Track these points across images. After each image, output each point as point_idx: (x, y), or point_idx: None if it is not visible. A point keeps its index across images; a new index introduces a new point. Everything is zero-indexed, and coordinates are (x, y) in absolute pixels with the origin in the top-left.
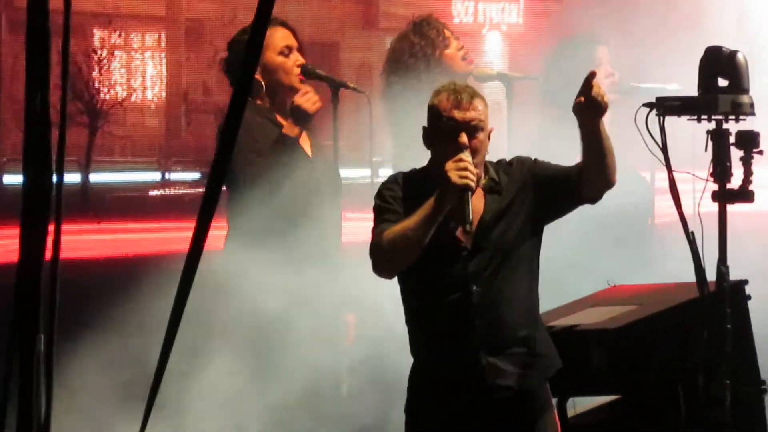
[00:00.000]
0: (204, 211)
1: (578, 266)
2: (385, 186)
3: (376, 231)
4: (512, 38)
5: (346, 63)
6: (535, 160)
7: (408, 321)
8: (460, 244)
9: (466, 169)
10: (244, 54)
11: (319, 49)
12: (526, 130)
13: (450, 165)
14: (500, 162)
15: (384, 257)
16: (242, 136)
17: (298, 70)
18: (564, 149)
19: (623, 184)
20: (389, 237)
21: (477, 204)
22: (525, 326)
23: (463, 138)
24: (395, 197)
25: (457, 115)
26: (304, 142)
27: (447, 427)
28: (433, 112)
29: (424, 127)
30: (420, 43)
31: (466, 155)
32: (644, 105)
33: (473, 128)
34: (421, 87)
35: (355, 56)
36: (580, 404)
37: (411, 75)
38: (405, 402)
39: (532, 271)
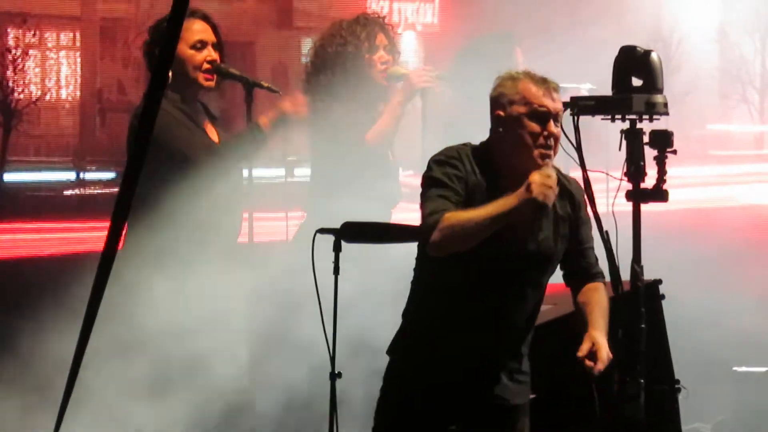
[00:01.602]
0: (118, 211)
1: None
2: (449, 160)
3: (435, 207)
4: (427, 38)
5: (261, 62)
6: (585, 216)
7: (420, 296)
8: (514, 249)
9: (551, 186)
10: (159, 49)
11: (234, 49)
12: (439, 128)
13: (537, 177)
14: (560, 175)
15: (440, 238)
16: (168, 129)
17: (206, 66)
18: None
19: None
20: (451, 221)
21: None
22: (528, 346)
23: (553, 127)
24: (458, 176)
25: (549, 103)
26: (211, 133)
27: (430, 402)
28: (518, 98)
29: (498, 113)
30: (347, 38)
31: (552, 171)
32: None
33: (559, 119)
34: (336, 80)
35: (270, 56)
36: None
37: (330, 66)
38: (385, 385)
39: (544, 293)
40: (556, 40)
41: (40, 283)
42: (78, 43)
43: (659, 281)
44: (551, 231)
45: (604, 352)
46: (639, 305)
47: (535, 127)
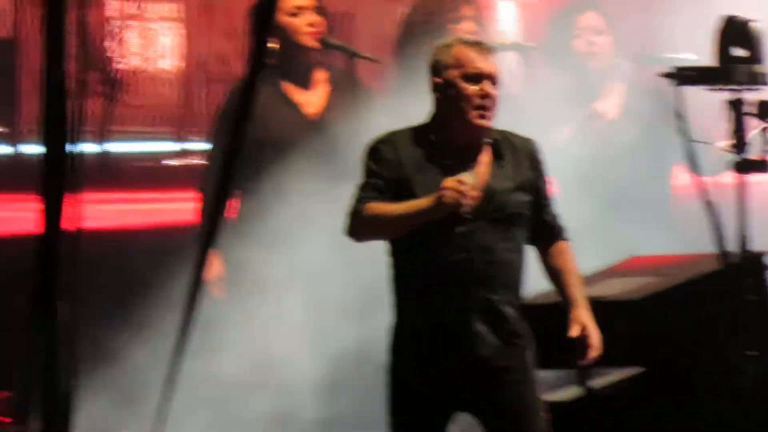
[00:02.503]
0: (221, 184)
1: (598, 237)
2: (378, 145)
3: (358, 196)
4: (526, 8)
5: (362, 33)
6: (542, 172)
7: (396, 277)
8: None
9: (463, 195)
10: (253, 26)
11: (334, 19)
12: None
13: (449, 182)
14: (513, 134)
15: (357, 229)
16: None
17: (308, 30)
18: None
19: (651, 141)
20: (369, 213)
21: (483, 168)
22: (514, 302)
23: (488, 87)
24: (384, 159)
25: (482, 65)
26: (311, 107)
27: (431, 388)
28: (452, 62)
29: (435, 81)
30: (432, 8)
31: (468, 178)
32: (661, 75)
33: (495, 80)
34: (422, 52)
35: (371, 26)
36: (601, 375)
37: (415, 37)
38: (388, 363)
39: (523, 248)
40: (658, 9)
41: (143, 254)
42: (181, 14)
43: (765, 253)
44: (501, 183)
45: (596, 336)
46: (744, 277)
47: (469, 88)
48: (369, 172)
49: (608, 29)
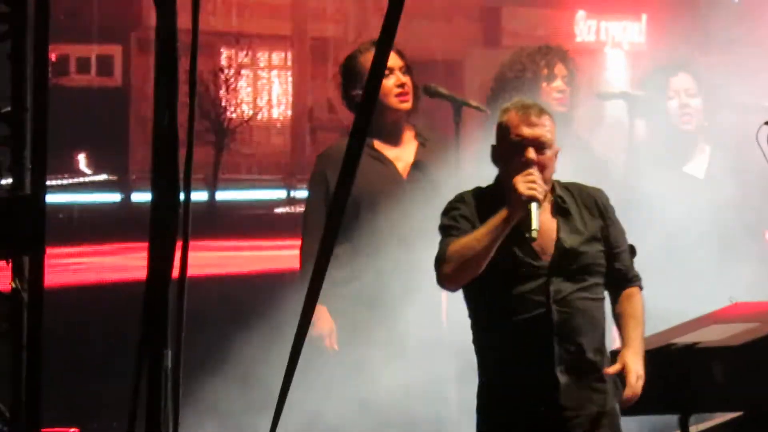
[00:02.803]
0: (328, 231)
1: (701, 281)
2: (452, 205)
3: (442, 243)
4: (634, 56)
5: (469, 82)
6: (613, 220)
7: (478, 339)
8: (539, 262)
9: (534, 181)
10: (366, 80)
11: (442, 67)
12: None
13: (518, 178)
14: (578, 185)
15: (449, 267)
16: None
17: (398, 90)
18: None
19: (745, 199)
20: (455, 248)
21: (549, 224)
22: (598, 351)
23: (531, 153)
24: (463, 215)
25: (526, 131)
26: (400, 166)
27: None
28: (502, 129)
29: (492, 146)
30: (527, 64)
31: (534, 170)
32: (766, 123)
33: (541, 144)
34: None
35: (478, 75)
36: (702, 421)
37: (508, 90)
38: (477, 423)
39: (602, 296)
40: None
41: (252, 300)
42: (289, 62)
43: None
44: (573, 236)
45: (633, 376)
46: None
47: (513, 156)
48: (447, 227)
49: (700, 91)
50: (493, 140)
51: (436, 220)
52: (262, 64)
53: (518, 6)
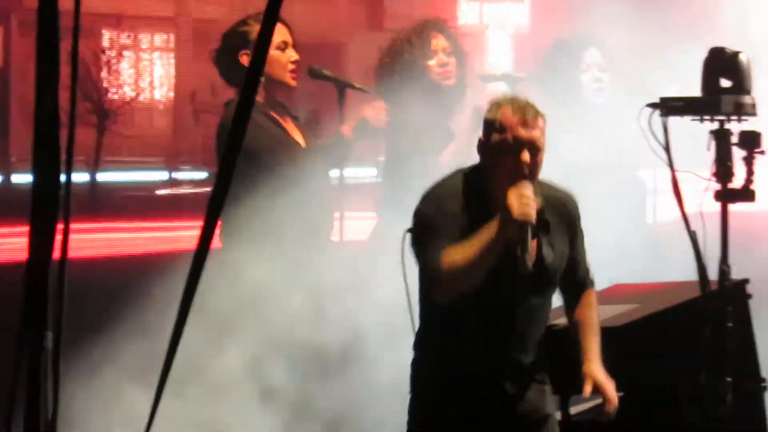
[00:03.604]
0: (211, 210)
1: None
2: (437, 200)
3: (433, 255)
4: (517, 39)
5: (353, 64)
6: (579, 228)
7: (431, 326)
8: (514, 281)
9: (528, 200)
10: (253, 51)
11: (325, 50)
12: None
13: (512, 196)
14: (550, 189)
15: (447, 288)
16: (252, 140)
17: (292, 66)
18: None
19: (620, 186)
20: (450, 266)
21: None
22: (540, 354)
23: (526, 156)
24: (451, 213)
25: (523, 133)
26: (296, 134)
27: None
28: (496, 126)
29: (480, 140)
30: (404, 46)
31: (528, 187)
32: (648, 105)
33: (536, 148)
34: (402, 89)
35: (361, 57)
36: (582, 402)
37: (391, 75)
38: (411, 404)
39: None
40: (644, 43)
41: (133, 281)
42: (171, 44)
43: (747, 281)
44: (551, 253)
45: (609, 390)
46: (726, 304)
47: (506, 156)
48: (432, 227)
49: (607, 66)
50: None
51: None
52: (144, 46)
53: None
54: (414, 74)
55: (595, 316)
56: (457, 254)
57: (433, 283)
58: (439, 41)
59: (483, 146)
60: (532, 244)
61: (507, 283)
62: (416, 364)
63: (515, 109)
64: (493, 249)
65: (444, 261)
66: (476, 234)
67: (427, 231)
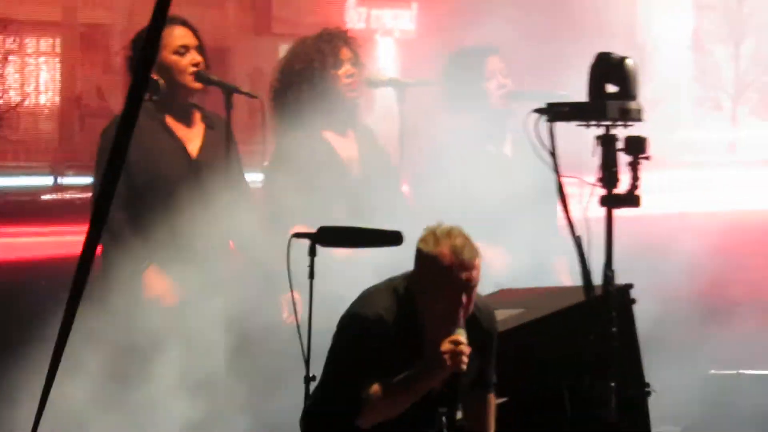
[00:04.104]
0: (96, 215)
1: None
2: (370, 334)
3: (362, 391)
4: (404, 44)
5: (239, 68)
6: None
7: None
8: (427, 398)
9: (463, 356)
10: (139, 54)
11: (211, 55)
12: (418, 136)
13: (447, 347)
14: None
15: (369, 424)
16: (137, 149)
17: (192, 69)
18: (456, 156)
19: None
20: (373, 408)
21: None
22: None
23: (464, 299)
24: (379, 349)
25: (462, 276)
26: (194, 143)
27: None
28: (434, 264)
29: (414, 271)
30: (313, 54)
31: (462, 335)
32: (534, 110)
33: (473, 288)
34: (303, 97)
35: (248, 62)
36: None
37: (297, 83)
38: None
39: None
40: (532, 48)
41: (17, 287)
42: (58, 49)
43: (630, 286)
44: (470, 365)
45: None
46: (610, 309)
47: (445, 298)
48: (363, 363)
49: (509, 73)
50: None
51: (219, 201)
52: (30, 51)
53: None
54: (323, 83)
55: (493, 419)
56: (383, 393)
57: (360, 416)
58: (345, 52)
59: (417, 279)
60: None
61: (419, 404)
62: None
63: (451, 248)
64: (419, 393)
65: (371, 399)
66: (403, 377)
67: (348, 364)
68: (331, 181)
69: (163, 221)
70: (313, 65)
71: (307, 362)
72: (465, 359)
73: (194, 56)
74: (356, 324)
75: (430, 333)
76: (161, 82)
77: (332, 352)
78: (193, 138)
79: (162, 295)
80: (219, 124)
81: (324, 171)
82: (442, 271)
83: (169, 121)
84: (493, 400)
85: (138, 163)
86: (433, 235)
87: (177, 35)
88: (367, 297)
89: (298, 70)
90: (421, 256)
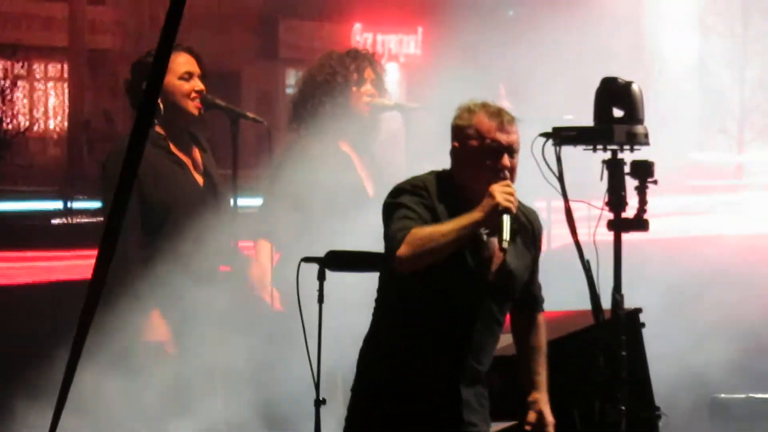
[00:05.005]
0: (106, 239)
1: None
2: (414, 189)
3: (401, 225)
4: (409, 69)
5: (247, 93)
6: (540, 245)
7: (391, 331)
8: (481, 280)
9: (512, 194)
10: (147, 79)
11: (219, 79)
12: (424, 160)
13: (497, 187)
14: (520, 204)
15: (408, 251)
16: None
17: (194, 96)
18: None
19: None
20: (419, 234)
21: (496, 248)
22: (489, 369)
23: (506, 160)
24: (424, 204)
25: (502, 137)
26: (197, 171)
27: None
28: (471, 132)
29: (454, 146)
30: (337, 68)
31: (510, 185)
32: (541, 135)
33: (514, 151)
34: (322, 110)
35: (256, 86)
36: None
37: (318, 94)
38: (353, 397)
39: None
40: (537, 72)
41: (29, 311)
42: (65, 74)
43: (639, 310)
44: (517, 261)
45: (549, 420)
46: (619, 333)
47: (487, 161)
48: (405, 207)
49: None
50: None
51: (225, 227)
52: (38, 76)
53: (295, 18)
54: (342, 98)
55: (545, 341)
56: (429, 228)
57: (395, 245)
58: (369, 72)
59: (458, 152)
60: (495, 243)
61: (471, 291)
62: (365, 358)
63: (490, 114)
64: (467, 230)
65: (415, 231)
66: (452, 219)
67: (398, 209)
68: (349, 197)
69: (175, 247)
70: (336, 78)
71: (317, 386)
72: (514, 200)
73: (197, 83)
74: (398, 187)
75: (476, 202)
76: (160, 106)
77: (385, 213)
78: (195, 164)
79: (164, 341)
80: (206, 145)
81: (343, 183)
82: (481, 133)
83: (172, 147)
84: (543, 319)
85: (152, 191)
86: (467, 109)
87: (181, 62)
88: (406, 179)
89: (320, 81)
90: (458, 129)
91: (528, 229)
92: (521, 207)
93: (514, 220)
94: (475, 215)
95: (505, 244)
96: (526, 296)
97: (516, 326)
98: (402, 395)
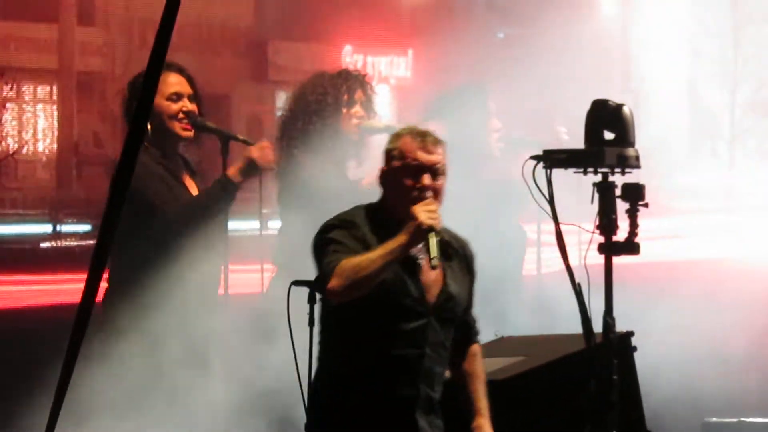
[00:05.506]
0: (95, 263)
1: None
2: (343, 223)
3: (332, 258)
4: (400, 91)
5: (237, 115)
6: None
7: (339, 365)
8: (423, 303)
9: (434, 211)
10: (137, 100)
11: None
12: None
13: (418, 207)
14: (452, 233)
15: (338, 283)
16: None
17: (182, 116)
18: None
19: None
20: (348, 265)
21: (434, 272)
22: (440, 392)
23: (427, 179)
24: (354, 236)
25: (422, 156)
26: (191, 188)
27: None
28: (395, 153)
29: (382, 169)
30: (328, 89)
31: (433, 204)
32: (531, 157)
33: (436, 171)
34: (311, 129)
35: (246, 108)
36: None
37: (308, 114)
38: (309, 420)
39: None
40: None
41: (17, 335)
42: (55, 96)
43: (631, 333)
44: (456, 285)
45: None
46: (611, 357)
47: (408, 180)
48: (335, 241)
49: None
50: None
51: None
52: (27, 98)
53: (285, 40)
54: (332, 119)
55: (482, 367)
56: (358, 258)
57: (326, 277)
58: (360, 94)
59: (384, 176)
60: (438, 273)
61: (418, 312)
62: (319, 394)
63: (413, 135)
64: (394, 254)
65: (343, 263)
66: (380, 246)
67: (329, 245)
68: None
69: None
70: (327, 99)
71: (307, 411)
72: (438, 219)
73: (185, 104)
74: (327, 224)
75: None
76: (149, 127)
77: (315, 249)
78: (190, 187)
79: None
80: (196, 168)
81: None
82: (404, 154)
83: (168, 166)
84: (479, 348)
85: (143, 202)
86: (396, 134)
87: (171, 82)
88: (335, 215)
89: (311, 101)
90: (385, 153)
91: (461, 254)
92: (453, 235)
93: (446, 243)
94: (401, 238)
95: (434, 261)
96: (463, 326)
97: (454, 356)
98: (360, 427)
